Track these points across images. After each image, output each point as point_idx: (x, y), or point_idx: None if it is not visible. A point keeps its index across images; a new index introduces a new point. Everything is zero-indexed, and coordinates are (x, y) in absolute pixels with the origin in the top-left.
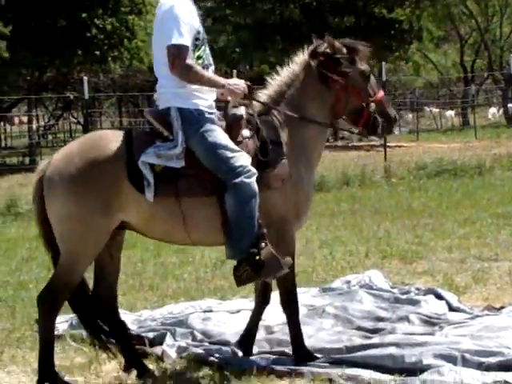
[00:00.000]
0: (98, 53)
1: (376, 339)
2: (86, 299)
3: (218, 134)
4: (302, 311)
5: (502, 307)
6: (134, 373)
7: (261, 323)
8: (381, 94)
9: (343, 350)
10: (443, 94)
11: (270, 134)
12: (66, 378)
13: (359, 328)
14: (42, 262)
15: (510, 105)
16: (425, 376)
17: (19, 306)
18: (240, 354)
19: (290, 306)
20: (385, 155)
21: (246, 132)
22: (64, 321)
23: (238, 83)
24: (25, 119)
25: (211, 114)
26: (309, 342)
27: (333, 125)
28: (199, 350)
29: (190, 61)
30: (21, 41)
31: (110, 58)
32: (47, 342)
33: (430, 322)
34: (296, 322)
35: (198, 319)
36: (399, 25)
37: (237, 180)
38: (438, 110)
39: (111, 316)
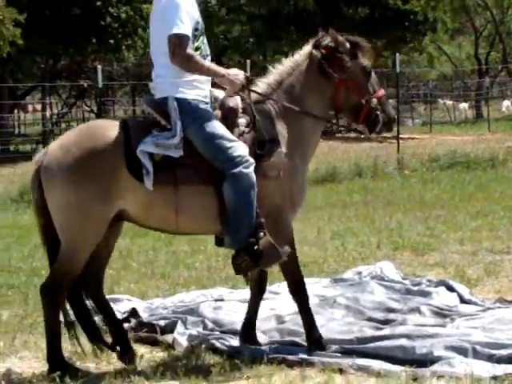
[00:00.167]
0: (112, 41)
1: (387, 330)
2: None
3: (216, 124)
4: (313, 301)
5: None
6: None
7: (272, 313)
8: (381, 91)
9: (354, 340)
10: (457, 86)
11: (266, 123)
12: (78, 365)
13: (370, 319)
14: None
15: None
16: (435, 367)
17: (32, 292)
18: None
19: (300, 294)
20: (398, 147)
21: (242, 121)
22: None
23: (238, 73)
24: (38, 107)
25: (208, 103)
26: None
27: (330, 119)
28: (210, 339)
29: (190, 50)
30: (35, 28)
31: (123, 47)
32: (53, 330)
33: (442, 313)
34: (307, 310)
35: (209, 308)
36: (414, 16)
37: (235, 170)
38: (451, 102)
39: (97, 293)
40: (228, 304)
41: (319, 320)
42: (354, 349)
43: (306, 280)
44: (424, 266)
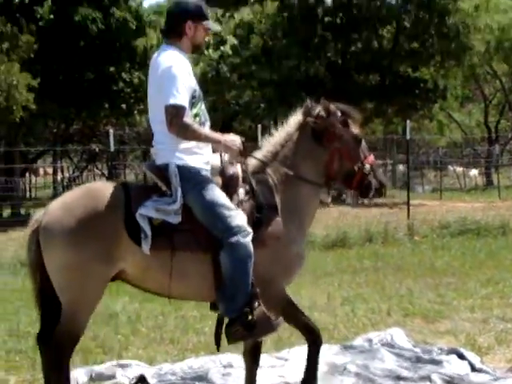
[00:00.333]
0: (124, 106)
1: None
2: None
3: (216, 192)
4: (323, 369)
5: None
6: None
7: (281, 380)
8: (371, 157)
9: None
10: (467, 153)
11: (265, 192)
12: None
13: None
14: None
15: None
16: None
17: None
18: None
19: (312, 335)
20: (408, 213)
21: (241, 190)
22: (83, 372)
23: (234, 139)
24: (50, 170)
25: (208, 170)
26: None
27: (326, 185)
28: None
29: (187, 119)
30: (48, 93)
31: (136, 112)
32: None
33: (452, 382)
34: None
35: (218, 374)
36: (424, 84)
37: (233, 239)
38: (461, 169)
39: None
40: (237, 370)
41: None
42: None
43: None
44: (435, 334)
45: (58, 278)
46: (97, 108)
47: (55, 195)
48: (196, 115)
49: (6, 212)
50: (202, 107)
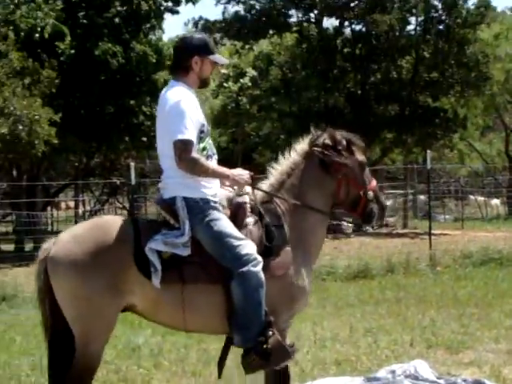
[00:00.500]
0: (145, 139)
1: None
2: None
3: (224, 223)
4: None
5: None
6: None
7: None
8: (374, 182)
9: None
10: (488, 182)
11: (274, 221)
12: None
13: None
14: None
15: None
16: None
17: None
18: None
19: None
20: (430, 243)
21: (250, 219)
22: None
23: (242, 173)
24: (71, 204)
25: (216, 202)
26: None
27: (333, 213)
28: None
29: (195, 154)
30: (70, 127)
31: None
32: None
33: None
34: None
35: None
36: (444, 113)
37: (244, 269)
38: (482, 198)
39: None
40: None
41: None
42: None
43: (338, 379)
44: (458, 365)
45: (67, 308)
46: (117, 141)
47: None
48: (204, 149)
49: (28, 246)
50: (209, 141)
